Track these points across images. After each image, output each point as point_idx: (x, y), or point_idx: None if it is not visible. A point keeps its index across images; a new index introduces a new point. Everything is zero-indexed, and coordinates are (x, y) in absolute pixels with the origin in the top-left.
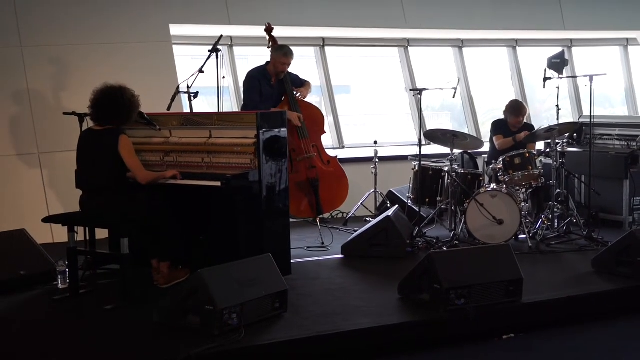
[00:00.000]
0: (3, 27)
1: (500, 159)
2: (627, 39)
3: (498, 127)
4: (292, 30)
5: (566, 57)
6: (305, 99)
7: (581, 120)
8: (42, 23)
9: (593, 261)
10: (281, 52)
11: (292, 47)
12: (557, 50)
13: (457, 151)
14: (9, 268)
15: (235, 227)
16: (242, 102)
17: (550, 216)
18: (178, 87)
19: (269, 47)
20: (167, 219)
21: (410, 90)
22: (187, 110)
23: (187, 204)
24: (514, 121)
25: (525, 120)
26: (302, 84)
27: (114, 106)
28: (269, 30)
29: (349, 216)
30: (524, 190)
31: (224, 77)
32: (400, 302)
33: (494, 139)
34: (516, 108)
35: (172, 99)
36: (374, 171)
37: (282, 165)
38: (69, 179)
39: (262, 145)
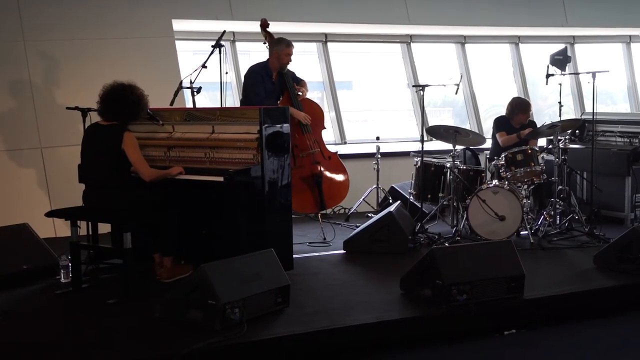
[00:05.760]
0: (6, 21)
1: (503, 155)
2: (630, 36)
3: (501, 124)
4: (295, 26)
5: (569, 53)
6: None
7: (583, 117)
8: (45, 18)
9: (595, 257)
10: (283, 44)
11: (294, 43)
12: (559, 47)
13: (459, 147)
14: (11, 262)
15: (237, 222)
16: (242, 97)
17: (552, 212)
18: (181, 82)
19: (265, 43)
20: (170, 213)
21: (413, 86)
22: (190, 105)
23: (189, 198)
24: (521, 118)
25: None
26: (299, 82)
27: (122, 103)
28: (264, 25)
29: (351, 212)
30: (525, 186)
31: (226, 73)
32: (402, 298)
33: (497, 135)
34: (524, 105)
35: (175, 94)
36: (376, 167)
37: (285, 161)
38: (72, 174)
39: (264, 141)
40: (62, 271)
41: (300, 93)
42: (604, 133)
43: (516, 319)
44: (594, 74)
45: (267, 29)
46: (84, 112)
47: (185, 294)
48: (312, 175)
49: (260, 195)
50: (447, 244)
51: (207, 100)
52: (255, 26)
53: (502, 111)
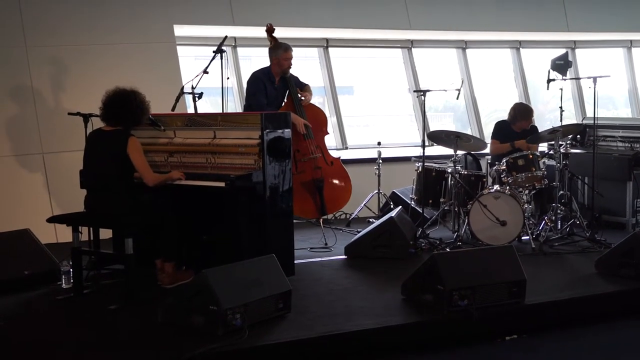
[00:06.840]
0: (8, 26)
1: (504, 161)
2: (631, 41)
3: (500, 130)
4: (296, 31)
5: (570, 58)
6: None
7: (584, 121)
8: (47, 23)
9: (596, 263)
10: (281, 49)
11: (295, 48)
12: (560, 51)
13: (460, 152)
14: (13, 267)
15: (239, 228)
16: (245, 103)
17: (554, 217)
18: (182, 87)
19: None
20: (171, 219)
21: (414, 91)
22: (191, 110)
23: (191, 204)
24: (523, 124)
25: None
26: (303, 87)
27: (124, 108)
28: (270, 30)
29: (352, 217)
30: (527, 191)
31: (228, 78)
32: (403, 303)
33: (490, 142)
34: (526, 112)
35: (177, 100)
36: (377, 172)
37: (286, 166)
38: (73, 179)
39: (266, 146)
40: (63, 277)
41: (303, 98)
42: (605, 138)
43: (518, 324)
44: (595, 79)
45: (273, 34)
46: (86, 117)
47: (186, 299)
48: (314, 180)
49: (261, 200)
50: (448, 249)
51: (208, 105)
52: (256, 31)
53: (503, 116)
